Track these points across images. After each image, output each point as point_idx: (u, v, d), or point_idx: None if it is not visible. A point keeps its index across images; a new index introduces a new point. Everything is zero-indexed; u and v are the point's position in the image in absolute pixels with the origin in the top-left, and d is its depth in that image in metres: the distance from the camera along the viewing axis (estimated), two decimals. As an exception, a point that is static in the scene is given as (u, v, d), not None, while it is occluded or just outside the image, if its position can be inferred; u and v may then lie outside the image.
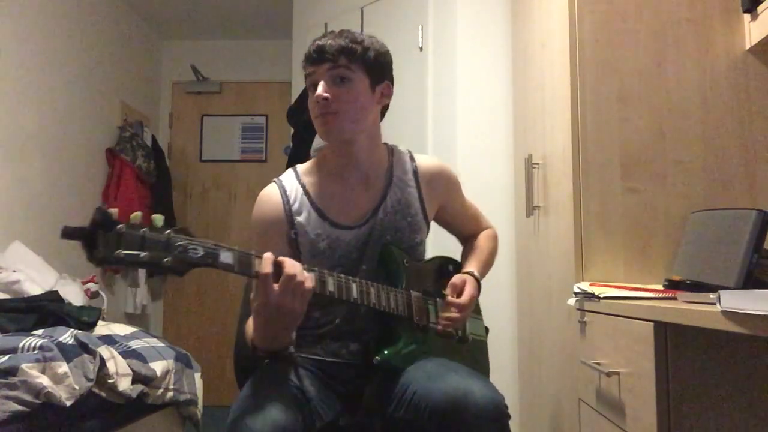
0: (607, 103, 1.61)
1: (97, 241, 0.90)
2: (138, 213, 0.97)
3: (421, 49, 2.69)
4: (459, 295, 1.35)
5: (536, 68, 2.09)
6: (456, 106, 2.58)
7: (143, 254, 0.93)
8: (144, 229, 0.94)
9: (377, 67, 1.34)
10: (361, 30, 2.88)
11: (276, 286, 1.06)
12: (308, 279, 1.09)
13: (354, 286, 1.22)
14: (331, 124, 1.30)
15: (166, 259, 0.95)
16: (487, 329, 1.58)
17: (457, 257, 1.56)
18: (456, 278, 1.38)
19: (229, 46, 4.56)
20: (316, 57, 1.29)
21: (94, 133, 3.56)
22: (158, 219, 0.98)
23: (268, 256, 1.07)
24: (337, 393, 1.32)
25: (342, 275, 1.21)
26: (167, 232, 0.96)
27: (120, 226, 0.92)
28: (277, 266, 1.07)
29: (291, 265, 1.08)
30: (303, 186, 1.38)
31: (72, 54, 3.34)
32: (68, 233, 0.90)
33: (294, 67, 3.42)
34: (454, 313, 1.33)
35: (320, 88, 1.28)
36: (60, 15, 3.23)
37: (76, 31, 3.39)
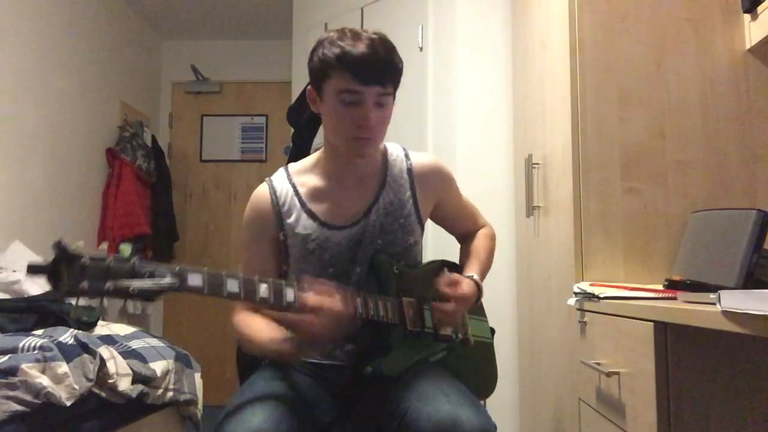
0: (607, 103, 1.61)
1: (61, 274, 0.91)
2: (104, 245, 0.97)
3: (421, 49, 2.69)
4: (454, 288, 1.31)
5: (536, 68, 2.09)
6: (456, 106, 2.58)
7: (108, 284, 0.94)
8: (109, 259, 0.95)
9: (399, 82, 1.31)
10: (361, 30, 2.89)
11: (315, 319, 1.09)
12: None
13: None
14: (367, 148, 1.29)
15: (132, 288, 0.95)
16: (493, 330, 1.56)
17: (455, 258, 1.56)
18: (454, 275, 1.35)
19: (229, 46, 4.56)
20: (368, 78, 1.22)
21: (94, 133, 3.56)
22: (125, 249, 0.99)
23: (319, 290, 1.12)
24: (332, 396, 1.31)
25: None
26: (132, 260, 0.97)
27: (83, 259, 0.93)
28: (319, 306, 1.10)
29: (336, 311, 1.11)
30: (294, 186, 1.37)
31: (72, 54, 3.34)
32: (33, 270, 0.92)
33: (294, 67, 3.42)
34: (443, 305, 1.29)
35: (369, 114, 1.23)
36: (60, 15, 3.23)
37: (76, 31, 3.39)
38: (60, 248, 0.92)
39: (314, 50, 1.27)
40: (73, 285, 0.91)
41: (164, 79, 4.57)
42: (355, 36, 1.24)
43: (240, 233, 1.40)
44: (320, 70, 1.26)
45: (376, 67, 1.22)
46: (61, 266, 0.91)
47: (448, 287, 1.30)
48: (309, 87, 1.32)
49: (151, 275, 0.98)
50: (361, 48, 1.21)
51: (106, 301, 0.99)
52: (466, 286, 1.33)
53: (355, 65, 1.21)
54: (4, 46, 2.78)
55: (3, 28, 2.78)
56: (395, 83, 1.27)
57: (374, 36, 1.25)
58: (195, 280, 1.03)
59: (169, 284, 1.00)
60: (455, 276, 1.35)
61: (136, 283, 0.96)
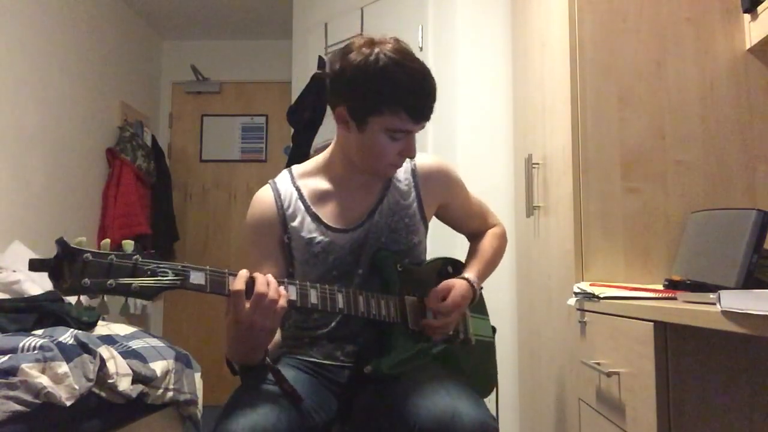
0: (607, 103, 1.61)
1: (63, 271, 0.91)
2: (107, 240, 0.98)
3: (421, 49, 2.69)
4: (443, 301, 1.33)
5: (536, 68, 2.09)
6: (456, 106, 2.58)
7: (110, 281, 0.94)
8: (111, 256, 0.95)
9: None
10: (361, 30, 2.89)
11: (247, 304, 1.05)
12: (282, 297, 1.09)
13: (340, 297, 1.20)
14: (394, 172, 1.36)
15: (133, 285, 0.96)
16: (494, 329, 1.56)
17: (460, 256, 1.56)
18: (441, 285, 1.36)
19: (229, 46, 4.57)
20: (421, 116, 1.26)
21: (94, 133, 3.56)
22: (128, 245, 0.99)
23: (242, 273, 1.07)
24: (332, 395, 1.31)
25: (326, 286, 1.20)
26: (135, 257, 0.97)
27: (86, 255, 0.92)
28: (250, 283, 1.07)
29: (263, 283, 1.07)
30: (298, 189, 1.37)
31: (72, 54, 3.34)
32: (34, 266, 0.91)
33: (294, 67, 3.42)
34: (433, 321, 1.31)
35: (413, 145, 1.29)
36: (60, 15, 3.23)
37: (76, 31, 3.39)
38: (62, 245, 0.92)
39: (358, 71, 1.20)
40: (74, 282, 0.91)
41: (164, 79, 4.58)
42: (405, 68, 1.21)
43: (243, 236, 1.39)
44: (372, 103, 1.21)
45: (429, 106, 1.25)
46: (63, 263, 0.91)
47: (437, 302, 1.32)
48: (340, 109, 1.26)
49: (153, 273, 0.98)
50: (416, 86, 1.22)
51: (107, 299, 0.98)
52: (458, 293, 1.34)
53: (412, 106, 1.23)
54: (4, 46, 2.78)
55: (3, 28, 2.78)
56: None
57: (419, 66, 1.25)
58: (197, 278, 1.03)
59: (171, 282, 1.00)
60: (446, 285, 1.35)
61: (138, 281, 0.96)
